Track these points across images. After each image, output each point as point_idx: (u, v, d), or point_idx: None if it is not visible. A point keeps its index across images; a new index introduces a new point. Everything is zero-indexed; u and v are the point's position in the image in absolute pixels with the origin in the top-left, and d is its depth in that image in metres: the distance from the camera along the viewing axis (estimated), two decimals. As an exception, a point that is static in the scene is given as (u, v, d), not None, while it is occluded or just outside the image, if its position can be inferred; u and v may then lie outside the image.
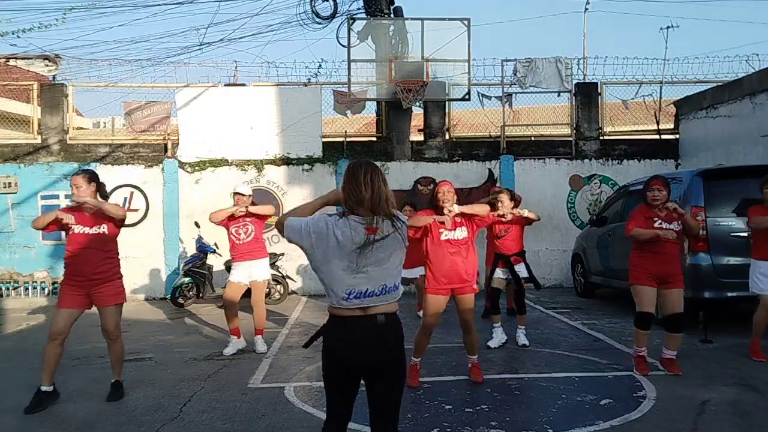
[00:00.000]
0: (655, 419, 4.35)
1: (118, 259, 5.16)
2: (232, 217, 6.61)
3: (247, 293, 6.77)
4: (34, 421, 4.56)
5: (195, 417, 4.58)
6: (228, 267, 8.71)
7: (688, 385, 5.10)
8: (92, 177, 5.10)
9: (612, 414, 4.44)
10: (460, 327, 5.34)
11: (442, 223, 5.14)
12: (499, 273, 6.80)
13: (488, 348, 6.56)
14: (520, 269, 6.76)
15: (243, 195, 6.65)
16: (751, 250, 5.97)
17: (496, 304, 6.85)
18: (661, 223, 5.33)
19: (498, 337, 6.74)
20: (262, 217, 6.69)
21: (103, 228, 4.98)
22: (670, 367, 5.47)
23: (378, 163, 3.00)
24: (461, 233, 5.18)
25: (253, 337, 6.75)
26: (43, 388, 4.86)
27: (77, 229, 4.93)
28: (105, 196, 5.18)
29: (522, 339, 6.71)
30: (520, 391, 5.23)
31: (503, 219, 6.58)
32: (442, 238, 5.13)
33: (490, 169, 11.75)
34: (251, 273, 6.60)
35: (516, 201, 6.84)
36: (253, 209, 6.56)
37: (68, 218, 4.89)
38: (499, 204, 6.60)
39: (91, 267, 4.90)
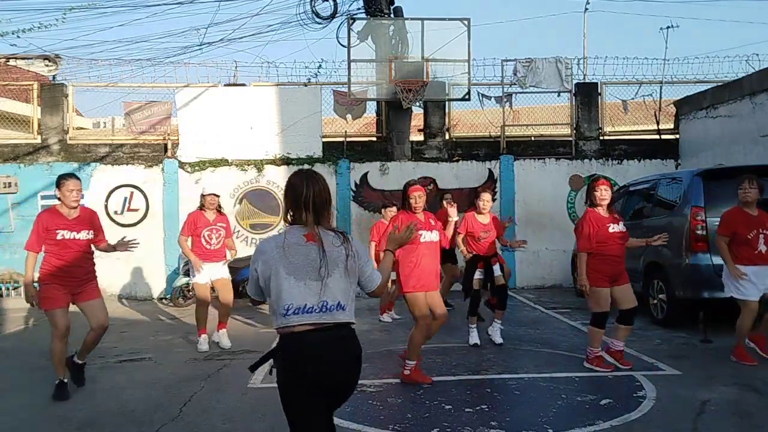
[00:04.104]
0: (655, 419, 4.35)
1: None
2: (204, 222, 6.76)
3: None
4: (34, 421, 4.56)
5: (195, 417, 4.58)
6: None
7: (688, 385, 5.10)
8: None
9: (612, 414, 4.44)
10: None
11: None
12: (478, 274, 6.84)
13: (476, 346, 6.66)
14: (496, 269, 6.81)
15: (217, 195, 6.92)
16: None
17: (476, 308, 6.83)
18: (613, 227, 5.56)
19: (475, 336, 6.79)
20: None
21: (90, 234, 5.29)
22: (620, 358, 5.66)
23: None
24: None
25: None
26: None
27: (67, 234, 5.14)
28: None
29: (497, 336, 6.76)
30: (520, 391, 5.22)
31: (482, 222, 6.77)
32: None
33: (490, 169, 11.74)
34: (212, 273, 6.81)
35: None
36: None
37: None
38: (481, 203, 6.79)
39: (82, 269, 5.17)
